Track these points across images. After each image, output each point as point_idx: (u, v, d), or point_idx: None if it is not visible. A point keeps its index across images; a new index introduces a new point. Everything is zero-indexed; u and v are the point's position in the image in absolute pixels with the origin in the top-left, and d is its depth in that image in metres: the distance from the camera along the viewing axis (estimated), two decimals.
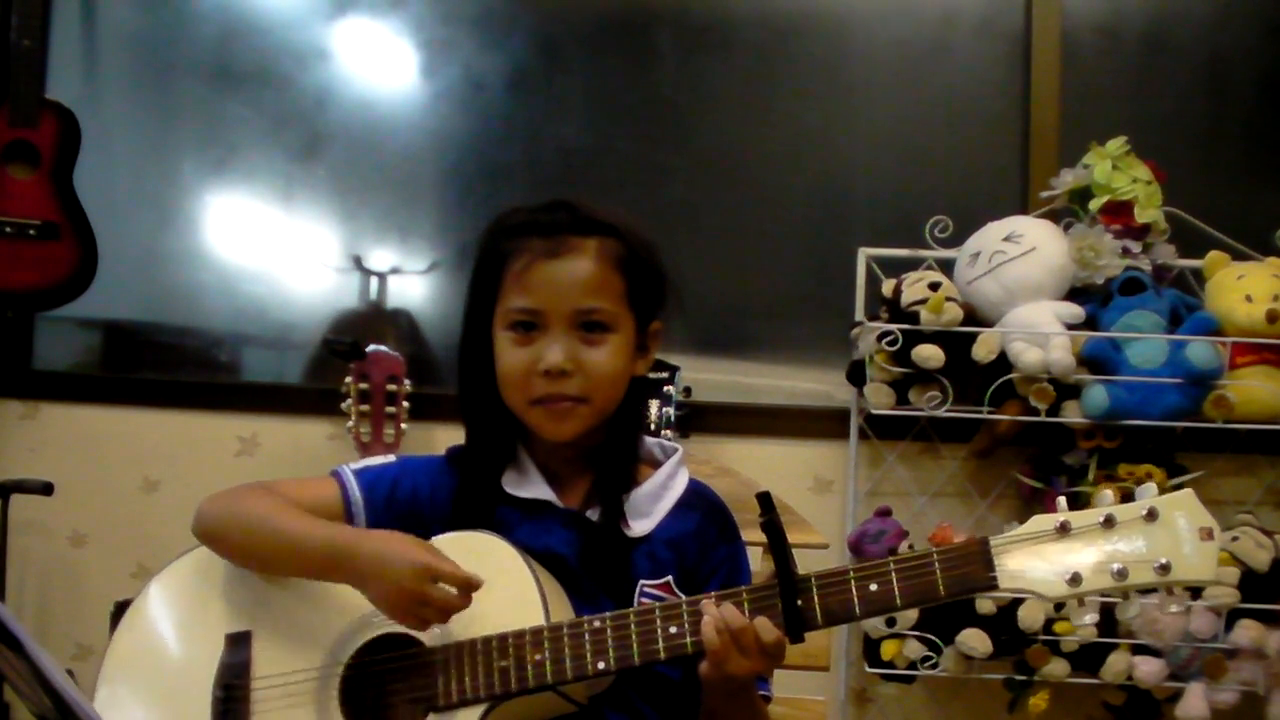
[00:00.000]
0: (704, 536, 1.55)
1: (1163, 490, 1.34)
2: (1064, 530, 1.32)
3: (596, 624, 1.40)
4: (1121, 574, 1.30)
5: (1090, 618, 1.35)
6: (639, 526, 1.52)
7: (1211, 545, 1.30)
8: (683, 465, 1.59)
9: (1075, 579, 1.31)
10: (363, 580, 1.41)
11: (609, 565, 1.50)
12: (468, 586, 1.39)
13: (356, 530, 1.48)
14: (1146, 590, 1.32)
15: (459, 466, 1.56)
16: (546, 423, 1.50)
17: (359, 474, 1.55)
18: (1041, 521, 1.34)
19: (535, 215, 1.51)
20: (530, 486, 1.53)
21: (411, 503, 1.54)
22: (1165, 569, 1.30)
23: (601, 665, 1.39)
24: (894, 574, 1.35)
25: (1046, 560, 1.32)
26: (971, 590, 1.36)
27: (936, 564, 1.35)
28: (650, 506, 1.53)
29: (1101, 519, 1.32)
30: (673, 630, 1.39)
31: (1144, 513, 1.32)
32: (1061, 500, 1.36)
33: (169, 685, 1.51)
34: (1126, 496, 1.35)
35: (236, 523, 1.50)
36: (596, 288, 1.48)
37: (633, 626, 1.40)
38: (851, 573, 1.37)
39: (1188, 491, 1.33)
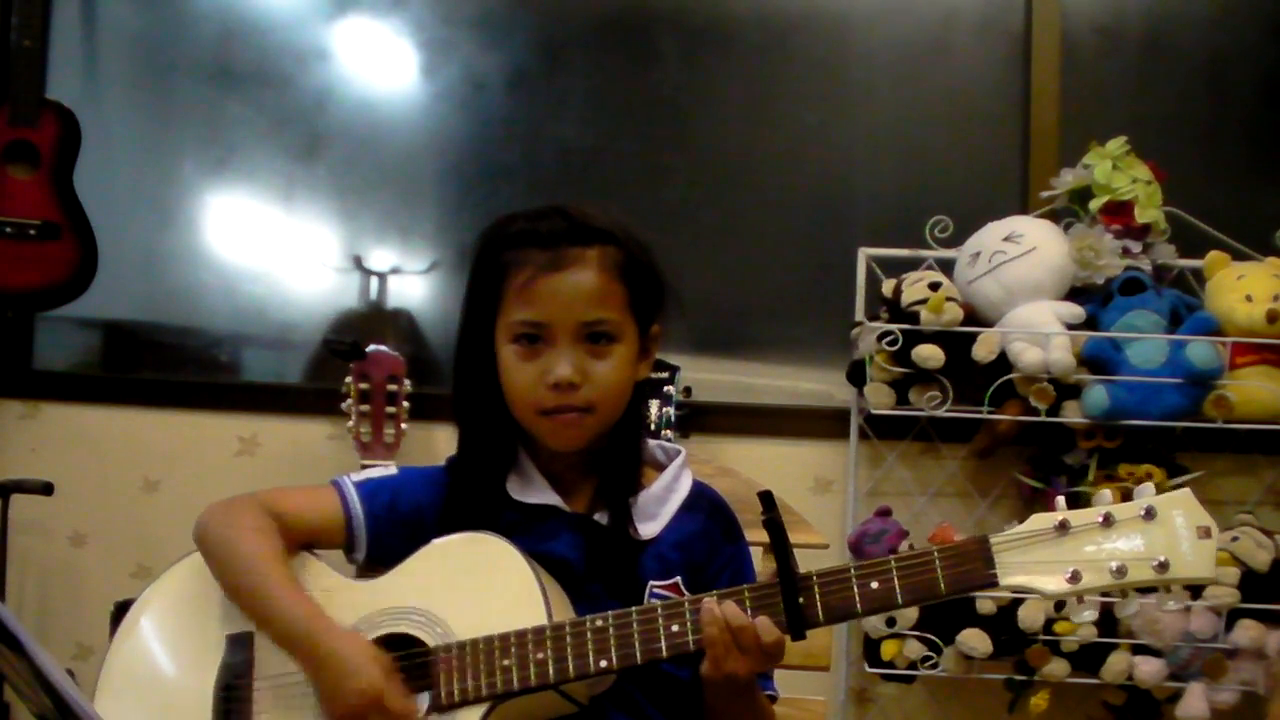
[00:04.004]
0: (711, 537, 1.55)
1: (1162, 490, 1.35)
2: (1063, 529, 1.33)
3: (599, 623, 1.40)
4: (1120, 572, 1.31)
5: (1089, 614, 1.36)
6: (647, 529, 1.52)
7: (1209, 543, 1.31)
8: (686, 467, 1.60)
9: (1075, 577, 1.32)
10: (316, 671, 1.41)
11: (618, 569, 1.50)
12: None
13: (330, 624, 1.45)
14: (1145, 589, 1.33)
15: (459, 475, 1.56)
16: (554, 434, 1.50)
17: (359, 486, 1.55)
18: (1041, 520, 1.35)
19: (533, 224, 1.50)
20: (535, 492, 1.53)
21: (414, 515, 1.54)
22: (1164, 567, 1.31)
23: (604, 664, 1.39)
24: (895, 572, 1.36)
25: (1046, 558, 1.33)
26: (972, 588, 1.36)
27: (937, 562, 1.35)
28: (657, 509, 1.54)
29: (1100, 518, 1.33)
30: (675, 629, 1.39)
31: (1142, 512, 1.33)
32: (1060, 499, 1.37)
33: (170, 686, 1.51)
34: (1126, 496, 1.36)
35: (227, 555, 1.50)
36: (601, 298, 1.48)
37: (635, 625, 1.40)
38: (853, 570, 1.37)
39: (1185, 491, 1.34)
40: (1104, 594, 1.34)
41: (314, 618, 1.44)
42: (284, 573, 1.47)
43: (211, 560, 1.52)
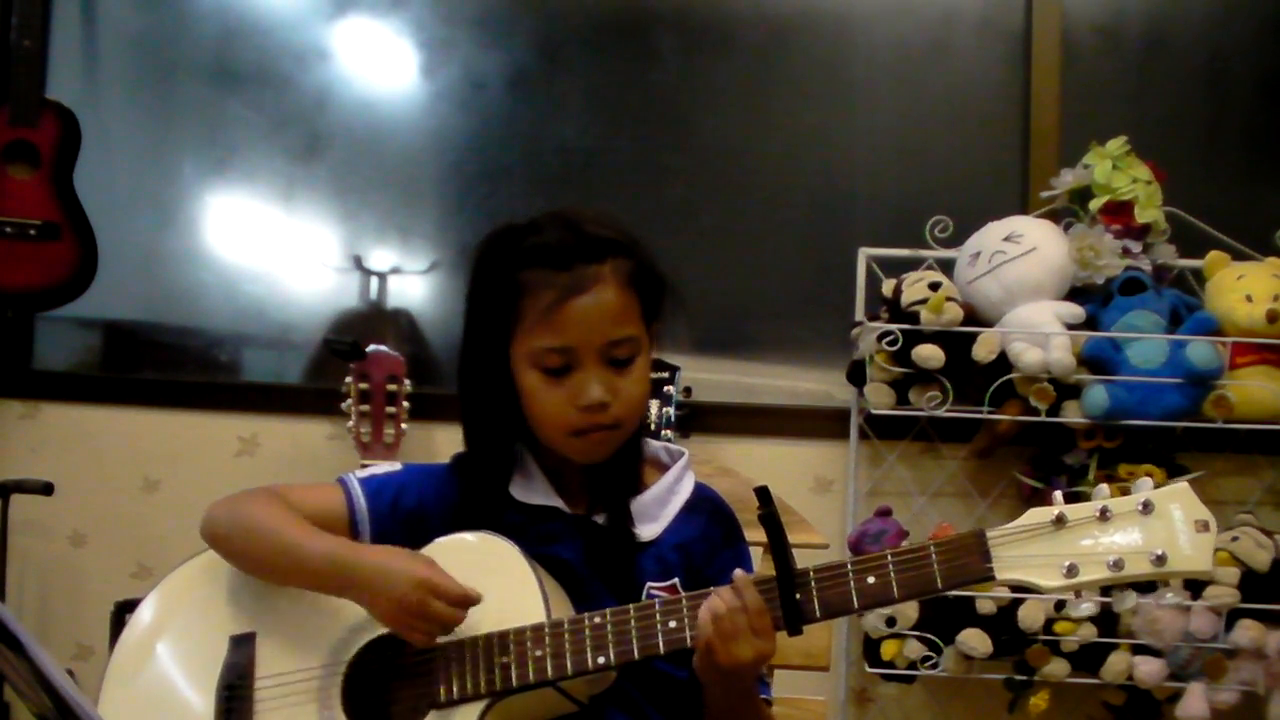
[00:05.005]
0: (710, 539, 1.56)
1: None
2: (1060, 523, 1.33)
3: (597, 619, 1.41)
4: (1118, 565, 1.31)
5: (1087, 608, 1.36)
6: (647, 530, 1.53)
7: (1207, 537, 1.31)
8: (689, 469, 1.60)
9: (1072, 570, 1.32)
10: (363, 593, 1.42)
11: (617, 569, 1.50)
12: (465, 601, 1.40)
13: (357, 545, 1.48)
14: (1143, 583, 1.33)
15: (464, 475, 1.56)
16: (585, 452, 1.50)
17: (364, 482, 1.55)
18: (1038, 514, 1.34)
19: (541, 239, 1.48)
20: (537, 493, 1.54)
21: (418, 512, 1.54)
22: (1161, 560, 1.31)
23: (601, 660, 1.39)
24: (891, 567, 1.36)
25: (1043, 552, 1.33)
26: (969, 581, 1.36)
27: (934, 557, 1.35)
28: (658, 510, 1.54)
29: (1097, 512, 1.33)
30: (672, 625, 1.40)
31: (1140, 506, 1.32)
32: (1058, 494, 1.37)
33: (173, 685, 1.51)
34: (1125, 494, 1.35)
35: (242, 530, 1.51)
36: (622, 316, 1.48)
37: (633, 621, 1.40)
38: (849, 565, 1.38)
39: (1183, 485, 1.34)
40: (1102, 589, 1.34)
41: (345, 546, 1.46)
42: (303, 524, 1.48)
43: (226, 542, 1.52)
